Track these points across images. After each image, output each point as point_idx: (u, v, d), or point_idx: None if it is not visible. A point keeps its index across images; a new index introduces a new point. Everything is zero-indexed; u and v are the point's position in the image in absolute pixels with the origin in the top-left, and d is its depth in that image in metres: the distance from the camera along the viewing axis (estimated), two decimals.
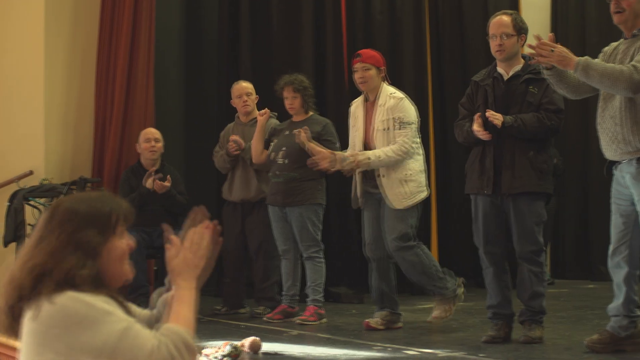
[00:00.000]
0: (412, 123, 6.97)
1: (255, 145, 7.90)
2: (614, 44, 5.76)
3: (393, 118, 6.89)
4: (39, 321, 2.52)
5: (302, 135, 7.26)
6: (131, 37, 9.07)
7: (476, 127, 6.13)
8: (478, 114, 6.19)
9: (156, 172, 8.28)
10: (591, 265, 11.16)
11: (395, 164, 6.86)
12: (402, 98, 7.02)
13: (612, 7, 5.58)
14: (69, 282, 2.57)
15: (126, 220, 2.74)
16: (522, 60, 6.34)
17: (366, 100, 7.14)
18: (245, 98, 8.29)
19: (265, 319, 7.75)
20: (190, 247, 2.77)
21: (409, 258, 6.86)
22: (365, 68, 7.04)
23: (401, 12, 10.26)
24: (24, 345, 2.58)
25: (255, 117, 8.15)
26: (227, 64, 9.79)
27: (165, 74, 10.13)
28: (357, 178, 7.03)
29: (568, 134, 10.43)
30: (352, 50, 9.74)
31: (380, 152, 6.83)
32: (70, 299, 2.53)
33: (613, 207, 5.65)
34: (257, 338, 6.17)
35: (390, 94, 7.04)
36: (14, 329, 2.61)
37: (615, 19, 5.58)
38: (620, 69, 5.30)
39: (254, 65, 9.68)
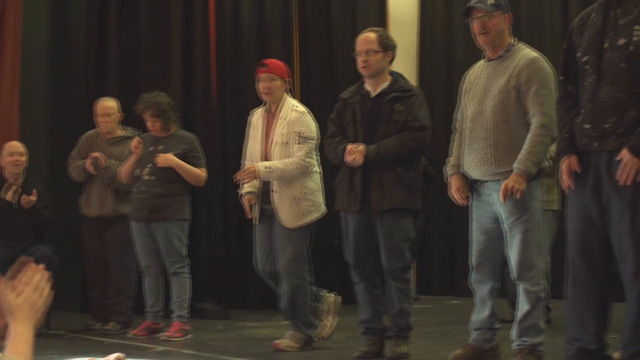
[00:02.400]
0: (313, 139, 6.83)
1: (128, 170, 7.80)
2: (477, 65, 5.79)
3: (294, 132, 6.75)
4: None
5: (161, 160, 7.41)
6: None
7: (349, 159, 6.16)
8: (349, 145, 6.20)
9: (21, 186, 8.09)
10: (455, 281, 11.31)
11: (293, 178, 6.70)
12: (304, 112, 6.87)
13: (476, 29, 5.59)
14: None
15: None
16: (390, 77, 6.37)
17: (267, 111, 6.98)
18: (105, 119, 8.20)
19: (130, 335, 7.62)
20: (35, 289, 2.71)
21: (292, 284, 6.72)
22: (271, 78, 6.85)
23: (270, 27, 10.29)
24: None
25: (117, 136, 8.17)
26: (94, 77, 9.67)
27: (32, 85, 9.93)
28: (257, 194, 6.90)
29: (435, 150, 10.57)
30: (221, 65, 9.75)
31: (280, 163, 6.67)
32: None
33: (474, 224, 5.68)
34: (122, 355, 6.03)
35: (292, 106, 6.88)
36: None
37: (481, 39, 5.60)
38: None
39: (121, 77, 9.58)
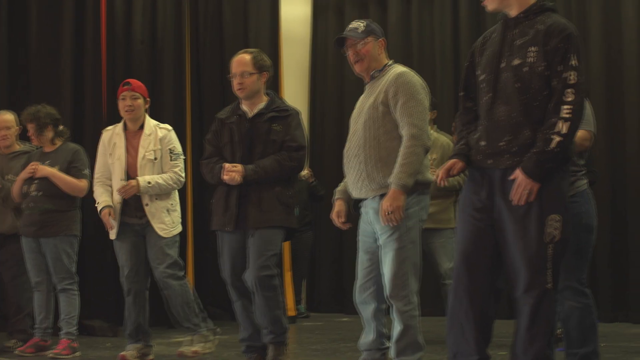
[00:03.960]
0: (182, 155, 7.06)
1: (17, 188, 7.70)
2: (361, 97, 5.84)
3: (166, 149, 6.95)
4: None
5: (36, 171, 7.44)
6: None
7: (226, 177, 6.19)
8: (227, 165, 6.22)
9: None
10: (345, 299, 11.37)
11: (168, 192, 6.92)
12: (170, 129, 7.09)
13: (352, 58, 5.67)
14: None
15: None
16: (266, 98, 6.43)
17: (126, 129, 7.06)
18: (4, 132, 8.07)
19: (17, 352, 7.51)
20: None
21: (177, 287, 6.84)
22: (134, 97, 7.01)
23: (162, 42, 10.26)
24: None
25: (16, 151, 8.08)
26: None
27: None
28: (117, 208, 6.91)
29: (326, 169, 10.64)
30: (112, 79, 9.67)
31: (159, 178, 6.84)
32: None
33: (360, 245, 5.70)
34: None
35: (156, 124, 7.06)
36: None
37: (357, 67, 5.66)
38: None
39: (11, 92, 9.42)
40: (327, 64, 12.11)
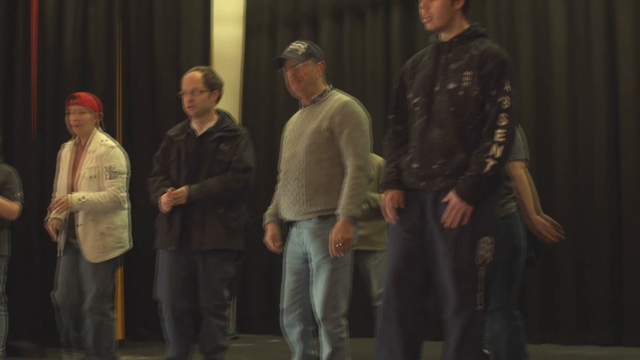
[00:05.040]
0: (123, 173, 6.89)
1: None
2: (295, 115, 5.85)
3: (104, 167, 6.79)
4: None
5: None
6: None
7: (164, 200, 6.16)
8: (169, 190, 6.19)
9: None
10: (275, 320, 11.30)
11: (106, 211, 6.74)
12: (113, 146, 6.93)
13: (289, 78, 5.68)
14: None
15: None
16: (216, 117, 6.40)
17: (77, 144, 6.98)
18: None
19: None
20: None
21: (95, 322, 6.70)
22: (80, 111, 6.91)
23: (93, 62, 10.18)
24: None
25: None
26: None
27: None
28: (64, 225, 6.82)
29: (258, 189, 10.62)
30: (42, 99, 9.58)
31: (94, 195, 6.69)
32: None
33: (287, 266, 5.67)
34: None
35: (101, 141, 6.93)
36: None
37: (294, 88, 5.68)
38: None
39: None
40: (259, 85, 12.11)
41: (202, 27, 11.47)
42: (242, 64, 12.26)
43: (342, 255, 5.34)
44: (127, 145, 10.21)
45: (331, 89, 5.75)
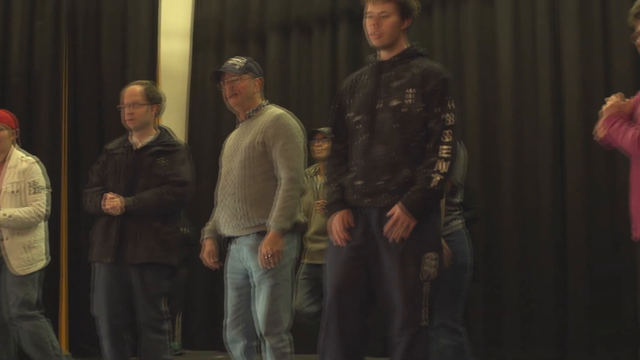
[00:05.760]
0: (45, 188, 6.91)
1: None
2: (233, 132, 5.87)
3: (27, 182, 6.79)
4: None
5: None
6: None
7: (108, 206, 6.12)
8: (108, 194, 6.16)
9: None
10: (219, 336, 11.23)
11: (29, 226, 6.75)
12: (34, 162, 6.94)
13: (227, 92, 5.71)
14: None
15: None
16: (156, 131, 6.40)
17: None
18: None
19: None
20: None
21: (27, 328, 6.68)
22: None
23: (39, 75, 10.10)
24: None
25: None
26: None
27: None
28: None
29: (201, 204, 10.58)
30: None
31: (19, 211, 6.69)
32: None
33: (228, 282, 5.69)
34: None
35: (21, 157, 6.93)
36: None
37: (231, 101, 5.70)
38: None
39: None
40: (206, 100, 12.07)
41: (149, 42, 11.41)
42: (189, 79, 12.24)
43: (273, 267, 5.35)
44: (74, 159, 10.20)
45: (267, 104, 5.78)
